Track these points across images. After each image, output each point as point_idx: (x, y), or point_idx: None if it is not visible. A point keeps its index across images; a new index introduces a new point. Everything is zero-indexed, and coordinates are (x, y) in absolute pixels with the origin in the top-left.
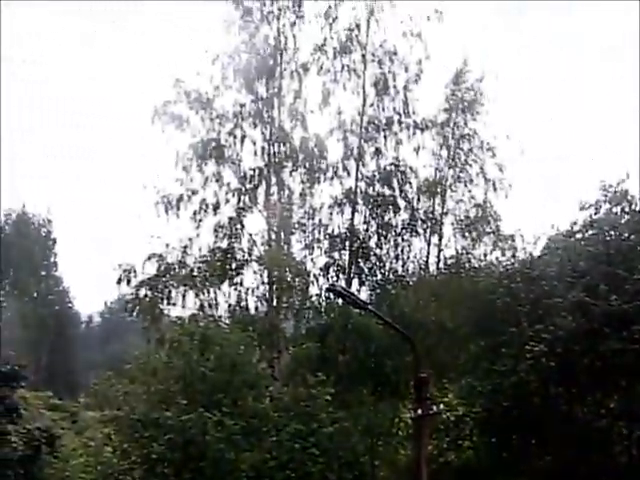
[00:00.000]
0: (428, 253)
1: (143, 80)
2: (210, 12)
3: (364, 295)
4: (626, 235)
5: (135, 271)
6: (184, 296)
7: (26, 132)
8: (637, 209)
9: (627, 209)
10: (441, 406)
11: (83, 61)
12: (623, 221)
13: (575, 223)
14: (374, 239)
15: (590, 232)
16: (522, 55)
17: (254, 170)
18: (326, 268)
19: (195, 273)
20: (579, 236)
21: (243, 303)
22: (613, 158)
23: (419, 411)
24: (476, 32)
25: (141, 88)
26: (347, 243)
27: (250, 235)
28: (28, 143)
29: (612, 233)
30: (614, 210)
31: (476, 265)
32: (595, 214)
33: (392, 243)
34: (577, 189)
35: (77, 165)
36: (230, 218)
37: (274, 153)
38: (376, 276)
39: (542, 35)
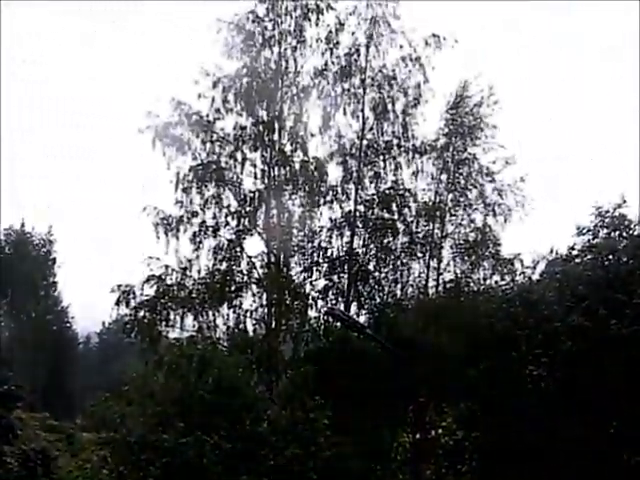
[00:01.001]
0: (427, 277)
1: (141, 85)
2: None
3: (363, 318)
4: (625, 260)
5: (134, 292)
6: (183, 318)
7: (24, 142)
8: (635, 234)
9: (625, 234)
10: (440, 430)
11: (83, 61)
12: (622, 246)
13: (573, 248)
14: (373, 262)
15: (589, 257)
16: (522, 55)
17: (254, 193)
18: (325, 291)
19: (194, 295)
20: (578, 261)
21: (242, 325)
22: (612, 164)
23: (418, 435)
24: (475, 48)
25: (140, 93)
26: (346, 266)
27: (249, 257)
28: (25, 156)
29: (611, 258)
30: (612, 235)
31: (475, 289)
32: (593, 239)
33: (391, 266)
34: (575, 212)
35: (75, 180)
36: (229, 240)
37: (274, 176)
38: (375, 299)
39: (542, 35)
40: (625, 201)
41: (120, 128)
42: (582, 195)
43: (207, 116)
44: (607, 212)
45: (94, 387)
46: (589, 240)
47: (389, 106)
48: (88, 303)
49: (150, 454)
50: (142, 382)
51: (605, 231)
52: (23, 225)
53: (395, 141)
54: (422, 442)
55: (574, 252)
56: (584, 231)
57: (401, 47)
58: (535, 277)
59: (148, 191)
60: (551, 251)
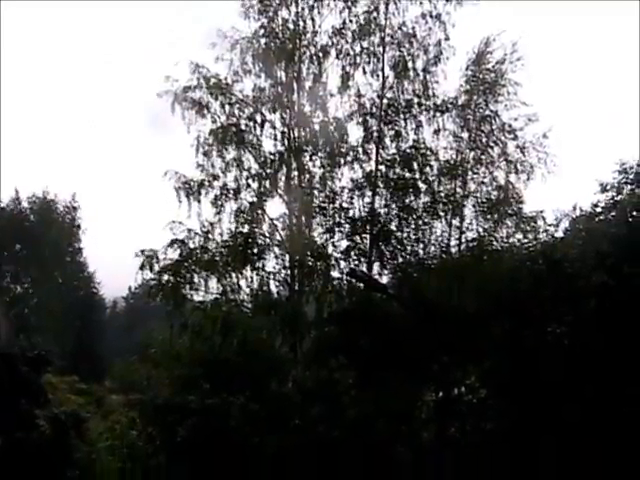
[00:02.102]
0: (449, 236)
1: (160, 62)
2: None
3: (385, 278)
4: None
5: (157, 257)
6: (206, 281)
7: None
8: None
9: None
10: (463, 389)
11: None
12: None
13: (597, 205)
14: (395, 222)
15: (612, 213)
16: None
17: (274, 155)
18: (347, 252)
19: (217, 258)
20: (602, 218)
21: (265, 287)
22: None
23: (442, 394)
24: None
25: (159, 70)
26: (368, 227)
27: (271, 220)
28: (45, 128)
29: (635, 214)
30: (636, 191)
31: (498, 247)
32: (617, 195)
33: (413, 226)
34: (598, 169)
35: (97, 150)
36: (251, 203)
37: (294, 138)
38: (397, 259)
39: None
40: None
41: (140, 94)
42: (606, 152)
43: (225, 79)
44: (631, 168)
45: (122, 351)
46: (613, 197)
47: (409, 64)
48: (114, 269)
49: (177, 415)
50: (168, 345)
51: (629, 187)
52: (47, 193)
53: (416, 99)
54: (446, 401)
55: (598, 209)
56: (607, 188)
57: (421, 4)
58: (558, 235)
59: (169, 155)
60: (574, 208)
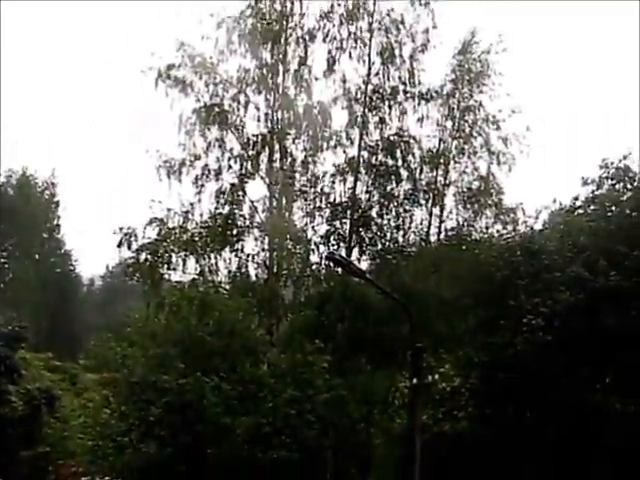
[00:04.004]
0: (429, 224)
1: (147, 40)
2: None
3: (364, 264)
4: (627, 212)
5: (136, 235)
6: (184, 261)
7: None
8: (639, 186)
9: (629, 186)
10: (437, 376)
11: (85, 20)
12: (625, 197)
13: (577, 198)
14: (376, 209)
15: (592, 208)
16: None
17: (257, 137)
18: (327, 236)
19: (196, 238)
20: (581, 211)
21: (243, 269)
22: (615, 132)
23: (415, 380)
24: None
25: (145, 48)
26: (348, 212)
27: (252, 202)
28: (30, 103)
29: (614, 209)
30: (616, 187)
31: (477, 237)
32: (597, 190)
33: (393, 213)
34: (580, 164)
35: (80, 126)
36: (232, 184)
37: (277, 120)
38: (376, 246)
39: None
40: (630, 153)
41: (123, 69)
42: (587, 146)
43: (210, 58)
44: (612, 163)
45: (97, 328)
46: (593, 191)
47: (396, 51)
48: (92, 245)
49: (151, 394)
50: (144, 324)
51: (609, 182)
52: (26, 168)
53: (401, 87)
54: (419, 387)
55: (577, 203)
56: (588, 182)
57: None
58: (537, 227)
59: (150, 134)
60: (554, 201)
